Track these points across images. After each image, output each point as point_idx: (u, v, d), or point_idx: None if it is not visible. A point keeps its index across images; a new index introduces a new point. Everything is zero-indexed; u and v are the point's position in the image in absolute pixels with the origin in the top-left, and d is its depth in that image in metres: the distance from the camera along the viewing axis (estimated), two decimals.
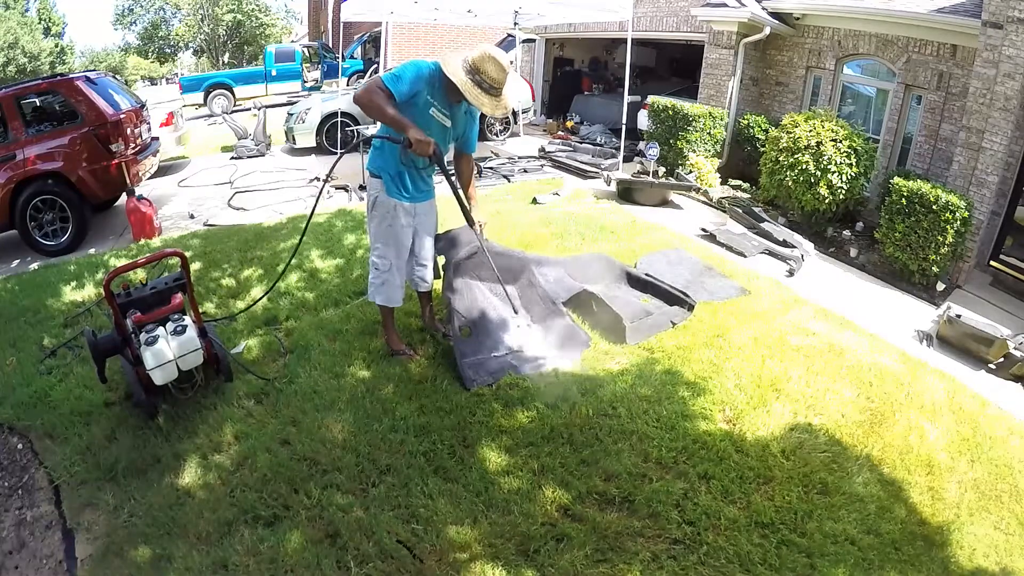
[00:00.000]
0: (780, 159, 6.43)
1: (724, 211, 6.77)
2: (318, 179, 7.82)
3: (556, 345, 3.49)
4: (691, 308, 3.89)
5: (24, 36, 29.08)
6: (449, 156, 3.20)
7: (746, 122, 7.83)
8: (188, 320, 2.95)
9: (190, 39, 38.09)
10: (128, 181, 6.04)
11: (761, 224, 6.15)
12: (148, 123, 7.24)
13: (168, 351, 2.82)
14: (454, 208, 3.41)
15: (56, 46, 32.95)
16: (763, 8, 7.72)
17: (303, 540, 2.32)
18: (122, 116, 6.12)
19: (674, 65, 13.26)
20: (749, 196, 7.38)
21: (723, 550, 2.31)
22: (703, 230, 5.94)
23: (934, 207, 4.99)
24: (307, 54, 17.94)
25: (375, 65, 14.96)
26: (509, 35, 13.11)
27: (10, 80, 22.71)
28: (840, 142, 6.05)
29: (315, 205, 3.57)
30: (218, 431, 2.90)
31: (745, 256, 5.36)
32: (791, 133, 6.37)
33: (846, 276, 5.43)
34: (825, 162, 6.03)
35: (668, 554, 2.30)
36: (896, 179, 5.41)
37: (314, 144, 9.51)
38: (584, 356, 3.49)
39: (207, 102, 15.76)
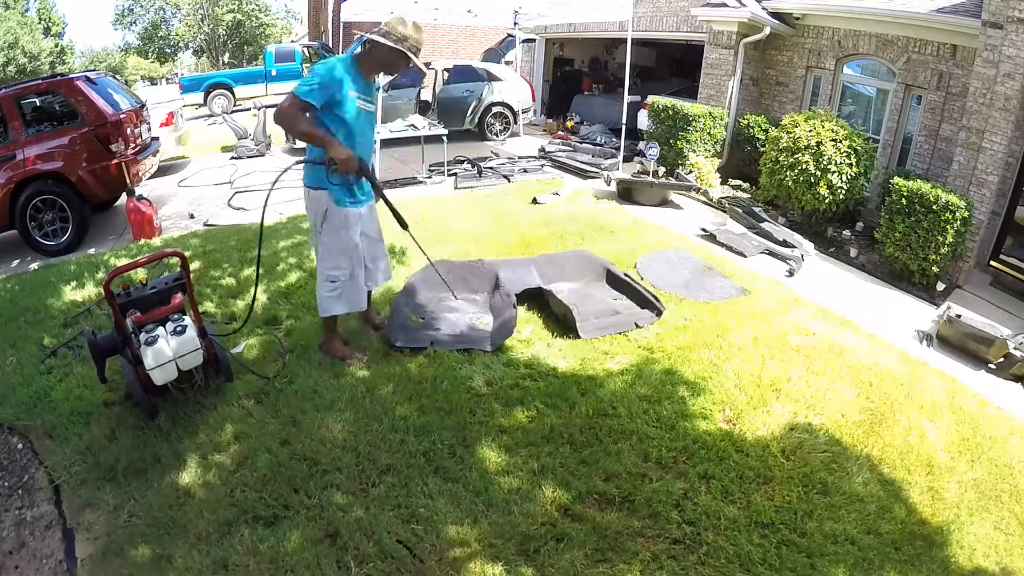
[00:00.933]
0: (780, 159, 6.43)
1: (724, 211, 6.77)
2: None
3: (491, 331, 3.70)
4: (660, 313, 3.90)
5: (24, 36, 29.08)
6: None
7: (746, 122, 7.83)
8: (188, 320, 2.95)
9: (190, 39, 38.11)
10: (128, 181, 6.03)
11: (761, 224, 6.14)
12: (148, 123, 7.23)
13: (168, 351, 2.82)
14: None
15: (56, 46, 32.97)
16: (763, 8, 7.72)
17: (303, 540, 2.32)
18: (122, 116, 6.12)
19: (674, 65, 13.25)
20: (749, 196, 7.38)
21: (723, 550, 2.31)
22: (703, 230, 5.94)
23: (934, 207, 4.99)
24: (307, 54, 17.92)
25: None
26: (509, 35, 13.13)
27: (10, 80, 22.71)
28: (840, 142, 6.05)
29: (262, 220, 3.40)
30: (218, 431, 2.90)
31: (745, 256, 5.36)
32: (791, 133, 6.37)
33: (846, 276, 5.43)
34: (825, 162, 6.03)
35: (668, 554, 2.30)
36: (896, 179, 5.41)
37: None
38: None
39: (207, 102, 15.75)
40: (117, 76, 8.82)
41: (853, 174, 6.04)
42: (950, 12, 6.00)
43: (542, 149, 9.32)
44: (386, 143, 7.38)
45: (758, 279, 4.74)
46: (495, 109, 10.55)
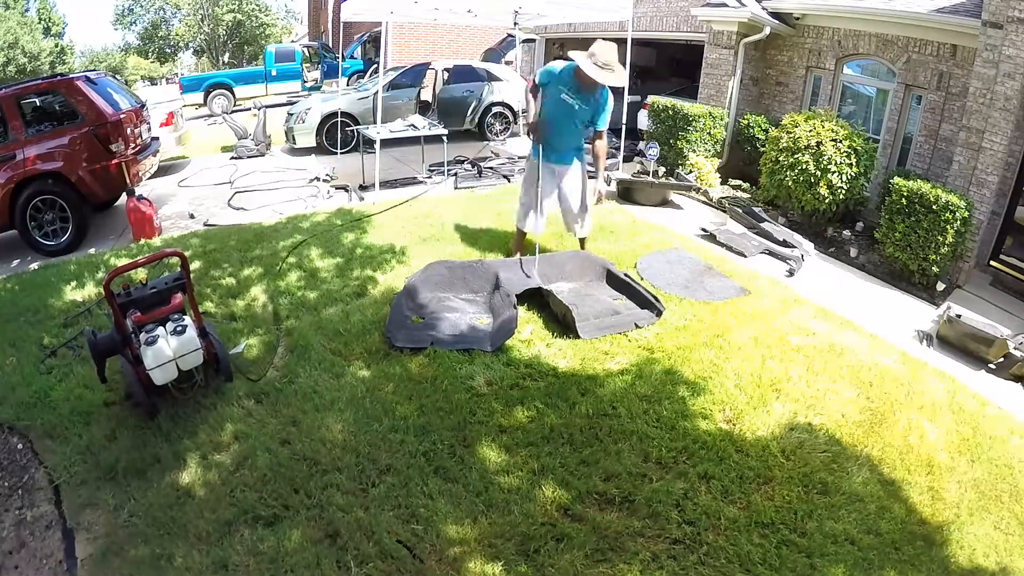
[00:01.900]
0: (780, 159, 6.43)
1: (724, 211, 6.76)
2: (318, 179, 7.82)
3: (490, 332, 3.73)
4: (659, 313, 3.87)
5: (24, 36, 29.07)
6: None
7: (746, 122, 7.82)
8: (188, 320, 2.95)
9: (190, 39, 38.10)
10: (128, 181, 6.03)
11: (761, 224, 6.14)
12: (148, 123, 7.23)
13: (168, 351, 2.82)
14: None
15: (56, 46, 32.95)
16: (763, 8, 7.72)
17: (303, 540, 2.32)
18: (122, 116, 6.11)
19: (674, 65, 13.23)
20: (749, 196, 7.38)
21: (723, 550, 2.32)
22: (703, 230, 5.94)
23: (934, 207, 4.99)
24: (307, 54, 17.93)
25: (375, 65, 14.95)
26: (509, 35, 13.12)
27: (10, 80, 22.70)
28: (840, 142, 6.05)
29: None
30: (218, 431, 2.90)
31: (745, 256, 5.36)
32: (791, 133, 6.37)
33: (846, 276, 5.43)
34: (825, 162, 6.02)
35: (668, 554, 2.30)
36: (896, 179, 5.41)
37: (314, 144, 9.51)
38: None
39: (207, 102, 15.74)
40: (117, 76, 8.82)
41: (853, 174, 6.04)
42: (950, 12, 6.00)
43: None
44: (386, 143, 7.37)
45: (758, 279, 4.74)
46: (495, 109, 10.55)
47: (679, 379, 3.30)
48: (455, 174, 7.84)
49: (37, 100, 6.11)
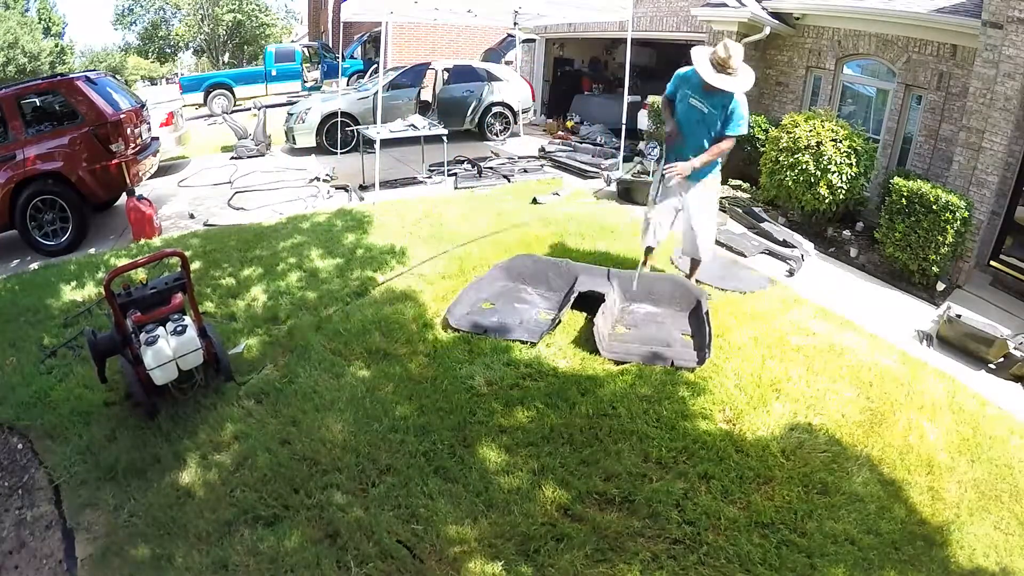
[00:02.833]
0: (780, 159, 6.42)
1: (724, 211, 6.76)
2: (318, 179, 7.82)
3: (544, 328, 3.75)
4: (703, 361, 3.43)
5: (24, 36, 29.04)
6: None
7: None
8: (188, 320, 2.95)
9: (190, 39, 38.07)
10: (128, 181, 6.03)
11: (761, 224, 6.14)
12: (148, 123, 7.23)
13: (168, 351, 2.82)
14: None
15: (56, 46, 32.93)
16: (763, 8, 7.71)
17: (303, 540, 2.32)
18: (122, 116, 6.11)
19: (674, 65, 13.22)
20: (749, 196, 7.37)
21: (723, 550, 2.32)
22: None
23: (934, 207, 4.99)
24: (307, 54, 17.92)
25: (375, 65, 14.95)
26: (509, 35, 13.12)
27: (10, 80, 22.70)
28: (840, 142, 6.04)
29: None
30: (218, 431, 2.90)
31: (745, 256, 5.36)
32: (791, 133, 6.36)
33: (846, 276, 5.43)
34: (825, 162, 6.02)
35: (668, 554, 2.30)
36: (896, 179, 5.41)
37: (314, 144, 9.51)
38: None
39: (207, 102, 15.73)
40: (117, 76, 8.82)
41: (853, 174, 6.04)
42: (950, 12, 6.00)
43: (542, 149, 9.32)
44: (386, 143, 7.38)
45: None
46: (495, 109, 10.55)
47: (679, 379, 3.30)
48: (455, 174, 7.84)
49: (37, 100, 6.11)
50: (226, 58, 36.94)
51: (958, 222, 4.94)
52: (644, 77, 12.89)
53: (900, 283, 5.33)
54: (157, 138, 7.70)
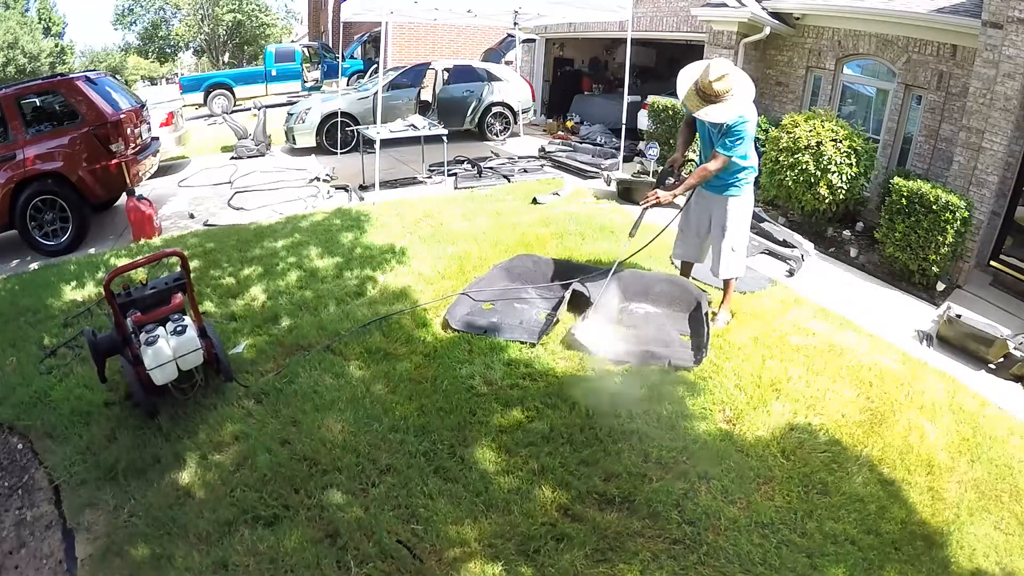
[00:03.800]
0: (780, 159, 6.42)
1: None
2: (318, 179, 7.83)
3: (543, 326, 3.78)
4: (698, 362, 3.44)
5: (24, 36, 29.03)
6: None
7: None
8: (188, 320, 2.95)
9: (190, 39, 38.07)
10: (128, 181, 6.03)
11: (761, 224, 6.14)
12: (148, 123, 7.23)
13: (168, 351, 2.82)
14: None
15: (56, 46, 32.92)
16: (763, 8, 7.71)
17: (303, 540, 2.32)
18: (122, 116, 6.11)
19: (674, 65, 13.23)
20: None
21: (723, 550, 2.31)
22: None
23: (934, 207, 4.99)
24: (307, 54, 17.92)
25: (375, 65, 14.95)
26: (509, 35, 13.11)
27: (10, 80, 22.69)
28: (840, 142, 6.04)
29: None
30: (218, 431, 2.90)
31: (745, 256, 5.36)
32: (791, 133, 6.36)
33: (846, 276, 5.43)
34: (825, 162, 6.02)
35: (668, 554, 2.30)
36: (896, 179, 5.40)
37: (314, 144, 9.51)
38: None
39: (207, 102, 15.73)
40: (117, 76, 8.82)
41: (853, 174, 6.03)
42: (950, 12, 5.99)
43: (542, 149, 9.32)
44: (386, 143, 7.38)
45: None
46: (495, 109, 10.55)
47: (679, 379, 3.30)
48: (455, 174, 7.84)
49: (37, 100, 6.11)
50: (226, 58, 36.93)
51: (958, 222, 4.94)
52: (644, 77, 12.90)
53: (900, 283, 5.33)
54: (157, 138, 7.70)
